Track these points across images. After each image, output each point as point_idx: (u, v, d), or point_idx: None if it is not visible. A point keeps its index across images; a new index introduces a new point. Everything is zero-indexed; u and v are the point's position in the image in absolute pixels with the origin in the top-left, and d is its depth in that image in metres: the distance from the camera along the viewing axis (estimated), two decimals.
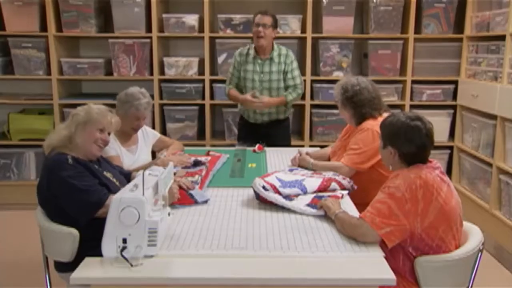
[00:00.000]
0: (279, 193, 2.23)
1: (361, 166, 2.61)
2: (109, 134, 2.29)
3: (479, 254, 1.96)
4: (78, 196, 2.04)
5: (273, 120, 3.68)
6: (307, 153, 2.91)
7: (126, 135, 2.85)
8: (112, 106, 2.72)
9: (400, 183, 1.89)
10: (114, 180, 2.29)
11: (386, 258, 1.78)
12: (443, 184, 1.92)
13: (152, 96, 4.35)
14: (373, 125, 2.62)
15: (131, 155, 2.84)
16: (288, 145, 3.75)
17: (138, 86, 2.86)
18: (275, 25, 3.54)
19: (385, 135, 2.08)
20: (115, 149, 2.74)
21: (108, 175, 2.28)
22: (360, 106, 2.67)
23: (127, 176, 2.49)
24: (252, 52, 3.59)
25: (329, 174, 2.48)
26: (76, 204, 2.05)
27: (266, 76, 3.55)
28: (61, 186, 2.06)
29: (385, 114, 2.44)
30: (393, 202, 1.86)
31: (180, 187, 2.35)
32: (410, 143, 1.97)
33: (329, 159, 2.95)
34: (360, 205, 2.20)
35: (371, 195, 2.02)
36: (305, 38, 4.36)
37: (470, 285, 1.98)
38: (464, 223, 2.05)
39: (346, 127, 2.96)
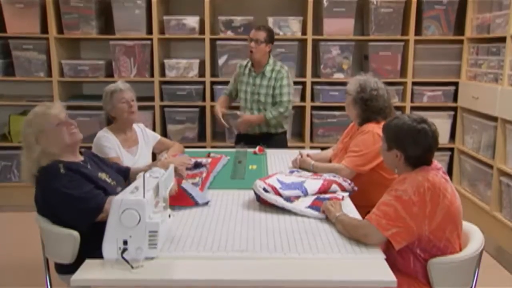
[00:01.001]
0: (280, 195, 2.23)
1: (362, 168, 2.61)
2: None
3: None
4: (75, 205, 2.02)
5: (265, 132, 3.67)
6: (308, 155, 2.91)
7: (126, 133, 2.86)
8: None
9: (407, 186, 1.88)
10: (110, 180, 2.27)
11: (396, 260, 1.77)
12: (448, 184, 1.93)
13: (153, 98, 4.42)
14: (374, 127, 2.63)
15: (131, 156, 2.84)
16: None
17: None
18: (269, 40, 3.51)
19: (390, 137, 2.06)
20: (115, 150, 2.75)
21: (103, 175, 2.25)
22: (370, 111, 2.66)
23: (125, 173, 2.47)
24: (249, 64, 3.65)
25: (329, 176, 2.48)
26: (74, 213, 2.03)
27: (257, 89, 3.59)
28: (57, 197, 2.03)
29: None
30: (400, 205, 1.86)
31: (180, 188, 2.35)
32: (417, 146, 1.96)
33: (330, 161, 2.95)
34: (361, 207, 2.21)
35: (372, 197, 2.02)
36: (305, 40, 4.36)
37: (474, 285, 1.98)
38: (464, 222, 2.05)
39: (347, 129, 2.96)
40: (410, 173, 1.97)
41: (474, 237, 1.98)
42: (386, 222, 1.84)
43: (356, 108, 2.71)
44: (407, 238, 1.85)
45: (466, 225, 2.06)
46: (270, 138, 3.67)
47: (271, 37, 3.54)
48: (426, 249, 1.90)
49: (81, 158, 2.26)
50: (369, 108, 2.66)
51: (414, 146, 1.97)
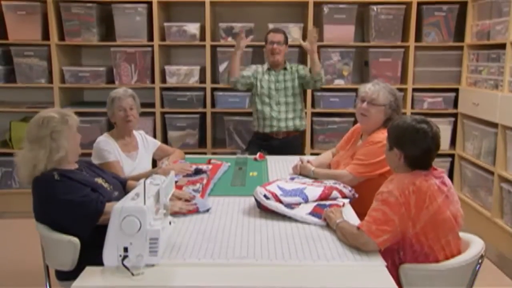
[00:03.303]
0: (281, 202, 2.23)
1: (365, 175, 2.60)
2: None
3: (477, 266, 1.94)
4: (74, 211, 2.02)
5: (290, 130, 3.73)
6: (308, 161, 2.91)
7: (125, 139, 2.88)
8: None
9: (393, 188, 1.91)
10: (106, 185, 2.28)
11: None
12: (440, 194, 1.92)
13: (154, 104, 4.42)
14: (383, 138, 2.60)
15: (130, 161, 2.85)
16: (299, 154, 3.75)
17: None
18: (286, 41, 3.73)
19: (392, 137, 2.08)
20: (114, 154, 2.76)
21: (99, 180, 2.27)
22: (398, 110, 2.69)
23: (122, 183, 2.48)
24: (266, 66, 3.77)
25: (330, 183, 2.48)
26: (74, 220, 2.03)
27: (281, 85, 3.72)
28: (55, 204, 2.04)
29: None
30: (387, 207, 1.88)
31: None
32: (415, 146, 1.97)
33: (329, 167, 2.94)
34: (363, 215, 2.19)
35: None
36: None
37: None
38: (468, 234, 2.04)
39: (348, 134, 2.95)
40: (398, 175, 1.99)
41: (469, 251, 1.95)
42: (376, 227, 1.86)
43: (386, 114, 2.65)
44: (392, 240, 1.88)
45: (470, 236, 2.04)
46: (290, 142, 3.77)
47: (287, 38, 3.76)
48: (407, 253, 1.91)
49: (76, 166, 2.27)
50: (398, 107, 2.68)
51: (412, 146, 1.98)
